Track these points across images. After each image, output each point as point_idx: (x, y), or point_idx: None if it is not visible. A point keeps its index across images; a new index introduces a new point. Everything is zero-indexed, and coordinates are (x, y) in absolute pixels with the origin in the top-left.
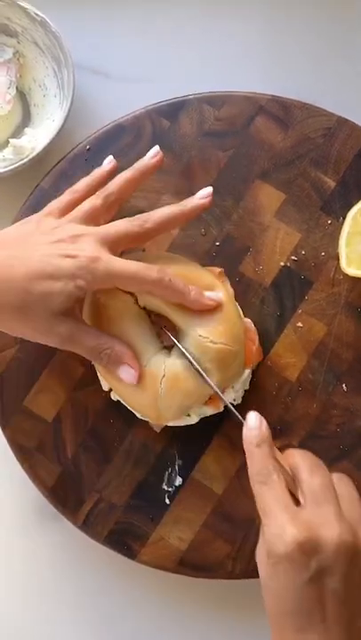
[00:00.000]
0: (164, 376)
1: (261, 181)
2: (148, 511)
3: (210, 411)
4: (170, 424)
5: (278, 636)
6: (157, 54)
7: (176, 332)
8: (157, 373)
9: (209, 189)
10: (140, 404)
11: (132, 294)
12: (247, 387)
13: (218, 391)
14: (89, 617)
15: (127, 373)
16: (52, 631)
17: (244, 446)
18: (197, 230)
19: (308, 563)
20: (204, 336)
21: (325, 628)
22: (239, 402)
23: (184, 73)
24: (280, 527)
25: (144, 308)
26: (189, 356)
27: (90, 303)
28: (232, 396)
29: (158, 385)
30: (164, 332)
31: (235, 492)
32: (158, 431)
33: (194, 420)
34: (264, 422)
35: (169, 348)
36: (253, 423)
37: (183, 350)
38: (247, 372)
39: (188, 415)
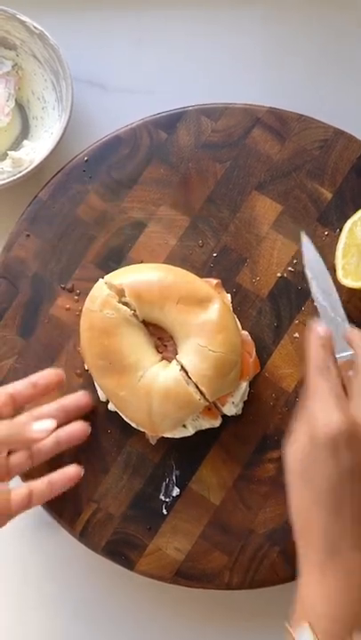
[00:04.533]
0: (156, 389)
1: (258, 193)
2: (145, 522)
3: (206, 423)
4: (166, 435)
5: (305, 530)
6: (155, 66)
7: (175, 343)
8: (150, 386)
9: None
10: (134, 416)
11: (128, 305)
12: (246, 398)
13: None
14: (86, 627)
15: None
16: (48, 638)
17: (310, 346)
18: (195, 241)
19: (351, 454)
20: (203, 345)
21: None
22: (240, 413)
23: (182, 85)
24: (329, 410)
25: (143, 321)
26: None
27: (86, 315)
28: (233, 411)
29: (151, 397)
30: (163, 344)
31: (232, 502)
32: (154, 443)
33: (190, 431)
34: (330, 332)
35: (168, 359)
36: (323, 332)
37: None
38: (245, 384)
39: (185, 426)
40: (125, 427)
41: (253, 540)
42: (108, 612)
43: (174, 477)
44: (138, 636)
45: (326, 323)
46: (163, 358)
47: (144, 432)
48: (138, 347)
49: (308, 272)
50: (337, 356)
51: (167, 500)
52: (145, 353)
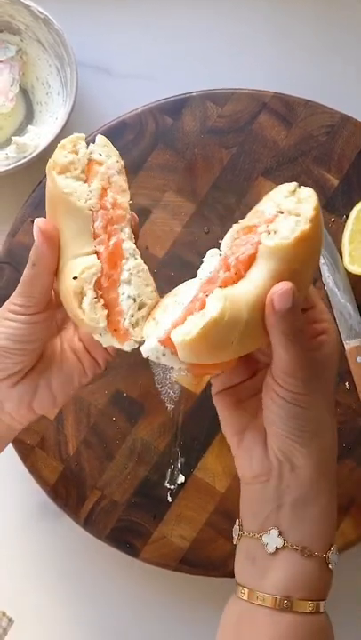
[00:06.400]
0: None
1: (264, 179)
2: (150, 509)
3: (116, 342)
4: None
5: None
6: (160, 51)
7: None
8: (68, 276)
9: None
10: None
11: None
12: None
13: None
14: (90, 615)
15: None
16: (54, 627)
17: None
18: (200, 228)
19: None
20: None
21: None
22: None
23: (187, 70)
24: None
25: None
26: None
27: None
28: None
29: (64, 286)
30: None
31: (237, 490)
32: None
33: (103, 342)
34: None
35: (99, 255)
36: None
37: None
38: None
39: (100, 335)
40: (130, 414)
41: None
42: (112, 598)
43: (179, 465)
44: (142, 622)
45: (336, 307)
46: (95, 252)
47: (149, 420)
48: (75, 230)
49: (320, 257)
50: (346, 342)
51: (172, 487)
52: (80, 238)
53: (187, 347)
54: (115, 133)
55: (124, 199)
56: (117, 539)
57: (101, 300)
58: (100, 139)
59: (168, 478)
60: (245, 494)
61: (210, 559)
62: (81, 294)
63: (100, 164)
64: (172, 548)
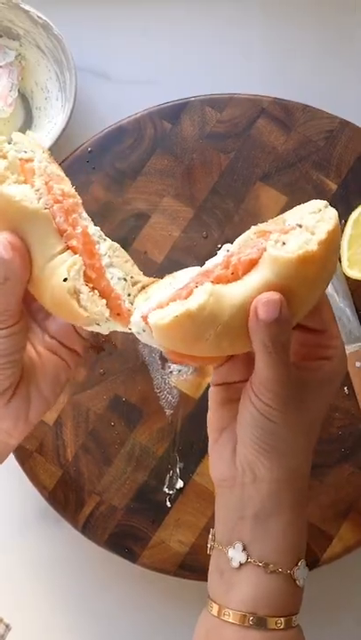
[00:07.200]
0: (53, 287)
1: (263, 184)
2: (148, 514)
3: (119, 326)
4: None
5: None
6: (159, 56)
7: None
8: (50, 280)
9: None
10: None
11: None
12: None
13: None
14: (89, 620)
15: None
16: (52, 633)
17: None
18: (199, 233)
19: None
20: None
21: None
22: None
23: (186, 75)
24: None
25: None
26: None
27: None
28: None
29: (50, 292)
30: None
31: None
32: None
33: (103, 330)
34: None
35: (74, 249)
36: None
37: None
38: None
39: (98, 325)
40: (129, 419)
41: None
42: (111, 604)
43: (178, 470)
44: (141, 628)
45: (334, 312)
46: (68, 247)
47: (149, 425)
48: (38, 237)
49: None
50: (345, 347)
51: (171, 492)
52: (46, 243)
53: (160, 331)
54: (113, 138)
55: (68, 186)
56: (116, 544)
57: (96, 292)
58: (17, 135)
59: (167, 483)
60: (216, 500)
61: (208, 564)
62: (75, 293)
63: (30, 160)
64: (170, 553)
